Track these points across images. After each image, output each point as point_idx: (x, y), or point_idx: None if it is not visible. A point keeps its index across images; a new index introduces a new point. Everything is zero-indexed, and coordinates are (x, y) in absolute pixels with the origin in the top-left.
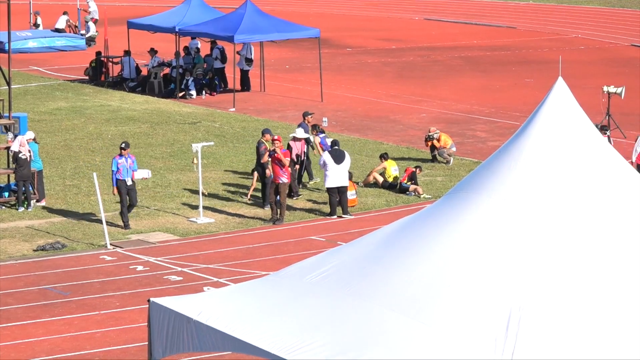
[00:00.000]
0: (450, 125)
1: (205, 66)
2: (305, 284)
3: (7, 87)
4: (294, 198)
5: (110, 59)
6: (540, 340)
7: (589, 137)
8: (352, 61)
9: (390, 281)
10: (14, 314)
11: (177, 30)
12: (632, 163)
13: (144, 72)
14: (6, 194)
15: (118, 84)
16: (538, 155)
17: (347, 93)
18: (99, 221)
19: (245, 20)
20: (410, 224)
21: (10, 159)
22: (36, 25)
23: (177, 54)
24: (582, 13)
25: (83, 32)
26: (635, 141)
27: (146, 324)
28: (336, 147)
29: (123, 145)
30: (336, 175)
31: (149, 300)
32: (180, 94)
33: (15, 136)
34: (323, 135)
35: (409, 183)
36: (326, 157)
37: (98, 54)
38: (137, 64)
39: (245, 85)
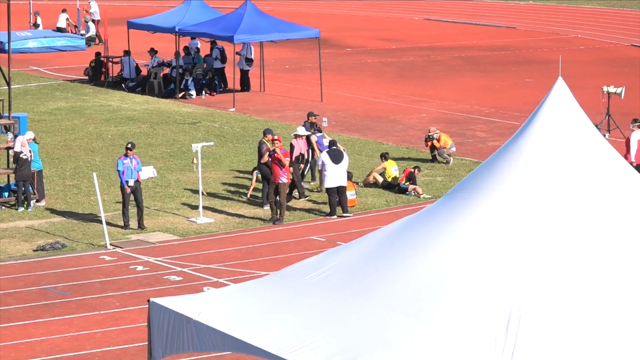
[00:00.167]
0: (450, 125)
1: (205, 66)
2: (305, 284)
3: (7, 87)
4: (301, 199)
5: (110, 59)
6: (540, 340)
7: (588, 137)
8: (352, 61)
9: (391, 281)
10: (14, 314)
11: (177, 30)
12: (632, 163)
13: (144, 72)
14: (6, 194)
15: (118, 84)
16: (538, 155)
17: (347, 93)
18: (99, 221)
19: (245, 21)
20: (410, 224)
21: (11, 159)
22: (36, 26)
23: (177, 54)
24: (582, 13)
25: (83, 32)
26: (627, 141)
27: (146, 324)
28: (334, 147)
29: (129, 145)
30: (335, 175)
31: (149, 301)
32: (180, 94)
33: (15, 136)
34: (320, 134)
35: (407, 183)
36: (324, 157)
37: (98, 54)
38: (137, 64)
39: (245, 85)
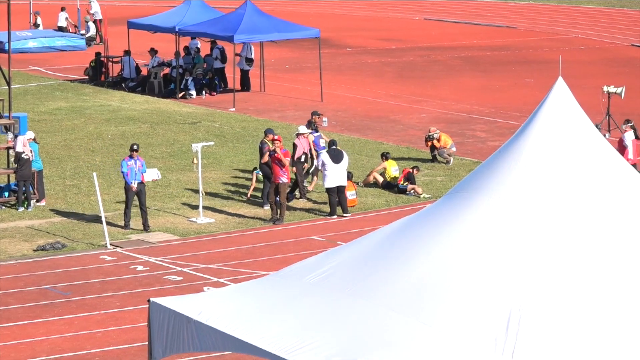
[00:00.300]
0: (450, 125)
1: (205, 66)
2: (305, 284)
3: (7, 87)
4: (301, 199)
5: (110, 59)
6: (541, 340)
7: (589, 137)
8: (352, 61)
9: (391, 281)
10: (14, 314)
11: (177, 30)
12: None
13: (144, 72)
14: (6, 194)
15: (118, 83)
16: (538, 155)
17: (347, 93)
18: (99, 221)
19: (245, 21)
20: (410, 224)
21: (11, 159)
22: (36, 25)
23: (177, 54)
24: (582, 13)
25: (83, 32)
26: (620, 141)
27: (146, 324)
28: (334, 147)
29: (135, 147)
30: (335, 175)
31: (149, 300)
32: (180, 94)
33: (16, 136)
34: (317, 134)
35: (405, 184)
36: (324, 157)
37: (98, 54)
38: (137, 64)
39: (245, 85)
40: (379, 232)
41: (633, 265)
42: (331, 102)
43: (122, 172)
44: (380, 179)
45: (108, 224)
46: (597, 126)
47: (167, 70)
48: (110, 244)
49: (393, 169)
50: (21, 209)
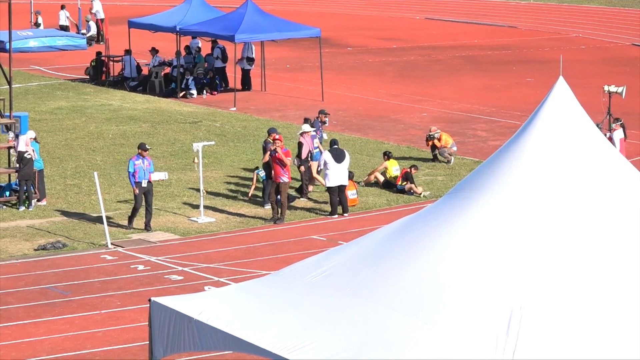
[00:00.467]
0: (451, 124)
1: (206, 65)
2: (305, 283)
3: (8, 86)
4: (302, 199)
5: (111, 58)
6: (542, 339)
7: (590, 137)
8: (353, 60)
9: (391, 280)
10: (15, 314)
11: (177, 29)
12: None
13: (145, 71)
14: (7, 193)
15: (119, 83)
16: (539, 154)
17: (348, 92)
18: (100, 220)
19: (246, 20)
20: (411, 224)
21: (13, 159)
22: (37, 25)
23: (178, 53)
24: (583, 12)
25: (84, 31)
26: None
27: (147, 323)
28: (336, 147)
29: (147, 147)
30: (336, 174)
31: (149, 300)
32: (181, 94)
33: (17, 135)
34: (313, 133)
35: (404, 184)
36: (327, 156)
37: (99, 53)
38: (137, 63)
39: (246, 84)
40: (379, 231)
41: (634, 264)
42: (332, 102)
43: (129, 172)
44: (382, 179)
45: (109, 223)
46: (598, 126)
47: (168, 69)
48: (111, 244)
49: (394, 169)
50: (22, 208)
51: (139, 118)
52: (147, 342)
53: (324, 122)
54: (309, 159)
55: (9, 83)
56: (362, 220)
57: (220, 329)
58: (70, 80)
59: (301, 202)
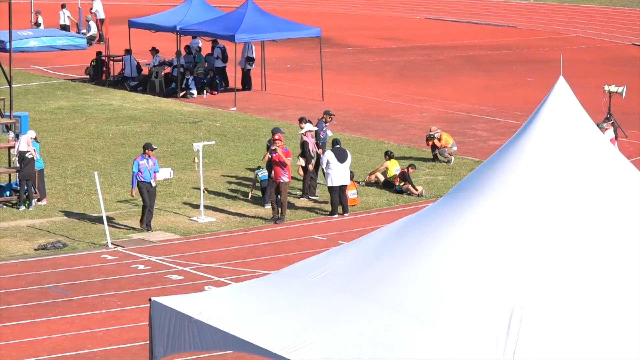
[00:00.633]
0: (451, 124)
1: (206, 65)
2: (306, 283)
3: (8, 86)
4: (302, 198)
5: (112, 58)
6: (542, 339)
7: (590, 137)
8: (353, 60)
9: (392, 280)
10: (15, 313)
11: (178, 29)
12: None
13: (145, 71)
14: (7, 193)
15: (119, 83)
16: (539, 154)
17: (348, 92)
18: (100, 220)
19: (246, 20)
20: (411, 224)
21: (14, 158)
22: (37, 25)
23: (178, 53)
24: (583, 12)
25: (84, 31)
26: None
27: (147, 323)
28: (338, 146)
29: (154, 147)
30: (339, 174)
31: (150, 300)
32: (182, 93)
33: (17, 135)
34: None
35: (401, 184)
36: (329, 155)
37: (99, 53)
38: (138, 63)
39: (246, 84)
40: (380, 231)
41: (634, 264)
42: (332, 102)
43: (133, 172)
44: (382, 178)
45: (109, 223)
46: (598, 126)
47: (168, 69)
48: (111, 243)
49: (395, 169)
50: (22, 208)
51: (139, 118)
52: (148, 342)
53: (327, 122)
54: (314, 157)
55: (9, 83)
56: (362, 220)
57: (220, 329)
58: (71, 80)
59: (301, 202)
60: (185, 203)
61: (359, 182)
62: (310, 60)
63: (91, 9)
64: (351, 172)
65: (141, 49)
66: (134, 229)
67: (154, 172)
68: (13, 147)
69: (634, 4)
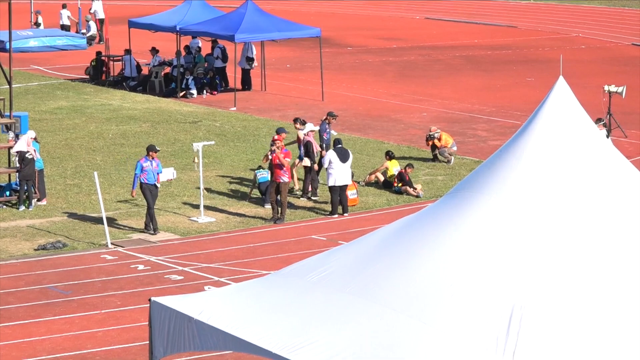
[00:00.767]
0: (451, 124)
1: (206, 65)
2: (306, 283)
3: (8, 86)
4: (302, 198)
5: (111, 58)
6: (542, 339)
7: (590, 136)
8: (353, 60)
9: (392, 280)
10: (15, 313)
11: (178, 29)
12: None
13: (145, 71)
14: (7, 193)
15: (119, 83)
16: (539, 154)
17: (348, 92)
18: (100, 220)
19: (246, 20)
20: (411, 224)
21: (14, 158)
22: (37, 25)
23: (178, 53)
24: (583, 12)
25: (84, 31)
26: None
27: (147, 323)
28: (340, 146)
29: (157, 148)
30: (340, 173)
31: (150, 300)
32: (181, 93)
33: (17, 135)
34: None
35: (399, 185)
36: (332, 155)
37: (99, 53)
38: (137, 63)
39: (246, 84)
40: (380, 231)
41: (634, 264)
42: (332, 101)
43: (135, 174)
44: (382, 178)
45: (109, 223)
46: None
47: (168, 69)
48: (111, 243)
49: (395, 169)
50: (22, 208)
51: (139, 118)
52: (147, 342)
53: (329, 124)
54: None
55: (9, 83)
56: (362, 220)
57: (220, 329)
58: (70, 80)
59: (301, 201)
60: (185, 203)
61: (358, 182)
62: (310, 60)
63: (90, 9)
64: (352, 172)
65: (141, 49)
66: (133, 229)
67: (157, 173)
68: (13, 147)
69: (633, 4)
